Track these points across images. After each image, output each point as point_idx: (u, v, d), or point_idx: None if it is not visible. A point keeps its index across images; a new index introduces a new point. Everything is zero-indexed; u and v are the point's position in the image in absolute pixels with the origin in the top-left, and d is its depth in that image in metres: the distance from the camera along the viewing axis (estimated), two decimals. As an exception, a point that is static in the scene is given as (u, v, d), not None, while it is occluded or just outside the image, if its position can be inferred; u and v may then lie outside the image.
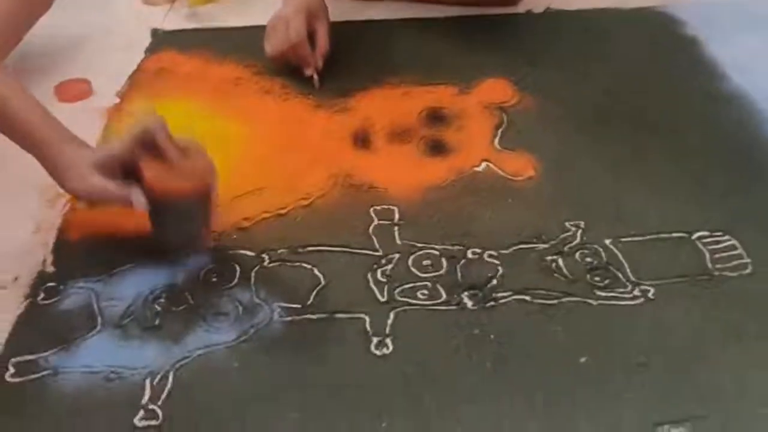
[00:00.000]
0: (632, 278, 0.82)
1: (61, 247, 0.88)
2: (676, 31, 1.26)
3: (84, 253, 0.87)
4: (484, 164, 0.98)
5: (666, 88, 1.13)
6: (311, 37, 1.14)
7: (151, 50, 1.24)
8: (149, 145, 0.80)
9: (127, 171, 0.81)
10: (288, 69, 1.15)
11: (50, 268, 0.85)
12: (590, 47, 1.22)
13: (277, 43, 1.13)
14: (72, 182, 0.82)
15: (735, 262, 0.83)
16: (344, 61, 1.17)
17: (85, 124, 1.06)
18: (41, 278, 0.84)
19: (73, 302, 0.81)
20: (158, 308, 0.80)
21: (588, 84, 1.13)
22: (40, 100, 0.86)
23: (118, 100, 1.12)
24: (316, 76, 1.13)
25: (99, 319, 0.79)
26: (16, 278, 0.84)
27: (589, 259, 0.84)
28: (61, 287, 0.83)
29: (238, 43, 1.23)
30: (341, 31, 1.20)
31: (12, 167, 0.83)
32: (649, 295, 0.80)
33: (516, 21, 1.29)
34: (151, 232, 0.84)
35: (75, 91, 1.15)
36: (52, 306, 0.81)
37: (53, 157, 0.82)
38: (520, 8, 1.31)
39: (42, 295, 0.82)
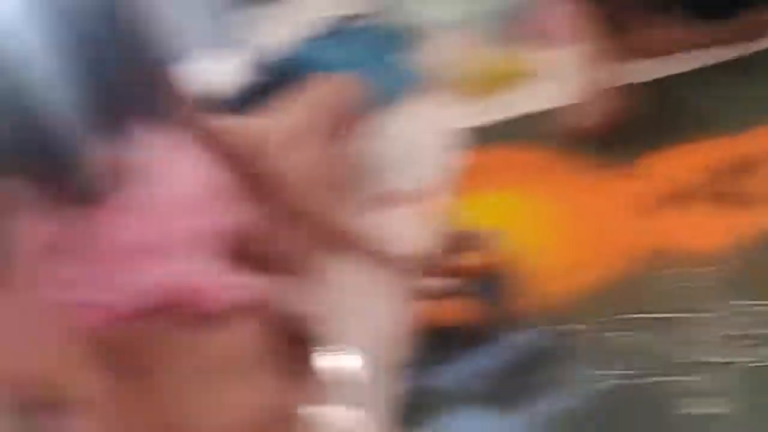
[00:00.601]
0: None
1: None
2: None
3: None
4: (795, 210, 0.98)
5: None
6: None
7: (457, 150, 1.41)
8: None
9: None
10: (587, 142, 1.22)
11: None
12: None
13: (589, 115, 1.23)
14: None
15: None
16: (637, 124, 1.21)
17: (414, 227, 1.25)
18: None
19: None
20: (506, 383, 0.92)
21: None
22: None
23: (438, 202, 1.29)
24: None
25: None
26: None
27: None
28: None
29: (533, 127, 1.35)
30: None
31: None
32: None
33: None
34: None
35: (399, 198, 1.33)
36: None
37: None
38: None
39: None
